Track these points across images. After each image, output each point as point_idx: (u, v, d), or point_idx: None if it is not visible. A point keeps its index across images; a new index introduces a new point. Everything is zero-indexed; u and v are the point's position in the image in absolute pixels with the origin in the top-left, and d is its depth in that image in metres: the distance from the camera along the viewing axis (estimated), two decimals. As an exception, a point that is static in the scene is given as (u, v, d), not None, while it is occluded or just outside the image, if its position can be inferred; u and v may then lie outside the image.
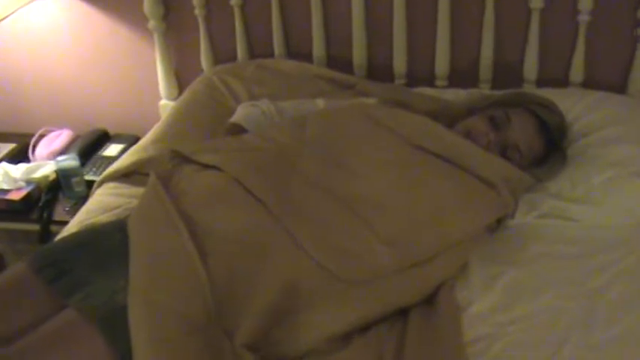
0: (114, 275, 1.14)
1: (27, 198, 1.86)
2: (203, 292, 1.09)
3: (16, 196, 1.86)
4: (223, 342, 1.08)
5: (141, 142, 1.77)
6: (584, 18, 1.74)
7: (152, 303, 1.06)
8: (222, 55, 2.06)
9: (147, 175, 1.54)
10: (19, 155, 2.09)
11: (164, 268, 1.12)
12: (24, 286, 1.16)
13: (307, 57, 1.98)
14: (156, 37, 2.04)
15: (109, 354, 1.03)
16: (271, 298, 1.11)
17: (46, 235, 1.82)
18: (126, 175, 1.64)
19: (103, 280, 1.14)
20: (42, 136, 2.14)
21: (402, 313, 1.22)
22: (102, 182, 1.65)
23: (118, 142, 2.09)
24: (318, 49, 1.97)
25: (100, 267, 1.17)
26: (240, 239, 1.17)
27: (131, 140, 2.07)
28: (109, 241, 1.23)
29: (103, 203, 1.56)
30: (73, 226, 1.48)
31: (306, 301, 1.13)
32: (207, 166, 1.34)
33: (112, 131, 2.17)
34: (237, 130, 1.59)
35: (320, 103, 1.67)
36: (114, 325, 1.05)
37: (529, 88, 1.83)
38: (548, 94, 1.65)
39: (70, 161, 1.87)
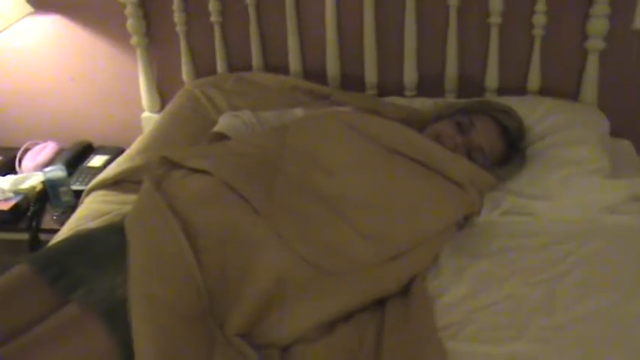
0: (112, 272, 1.20)
1: (15, 208, 1.91)
2: (197, 287, 1.17)
3: (4, 206, 1.91)
4: (215, 332, 1.16)
5: (127, 152, 1.83)
6: (538, 32, 1.85)
7: (150, 295, 1.13)
8: (202, 68, 2.14)
9: (134, 183, 1.63)
10: (5, 168, 2.14)
11: (161, 264, 1.19)
12: (27, 285, 1.21)
13: (284, 70, 2.06)
14: (138, 52, 2.12)
15: (110, 344, 1.10)
16: (260, 291, 1.20)
17: (35, 243, 1.88)
18: (114, 184, 1.69)
19: (102, 277, 1.20)
20: (27, 150, 2.19)
21: (381, 303, 1.31)
22: (91, 190, 1.70)
23: (102, 153, 2.16)
24: (294, 62, 2.05)
25: (99, 265, 1.23)
26: (230, 237, 1.25)
27: (115, 151, 2.13)
28: (105, 242, 1.29)
29: (93, 210, 1.61)
30: (65, 232, 1.52)
31: (293, 293, 1.22)
32: (195, 171, 1.41)
33: (95, 143, 2.22)
34: (220, 139, 1.66)
35: (298, 112, 1.76)
36: (115, 318, 1.11)
37: (491, 97, 1.92)
38: (508, 101, 1.75)
39: (57, 172, 1.92)
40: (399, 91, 2.02)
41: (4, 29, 2.00)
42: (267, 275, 1.21)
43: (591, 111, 1.84)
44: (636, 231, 1.45)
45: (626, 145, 1.85)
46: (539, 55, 1.89)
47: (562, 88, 1.92)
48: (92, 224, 1.53)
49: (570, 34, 1.87)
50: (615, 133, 1.85)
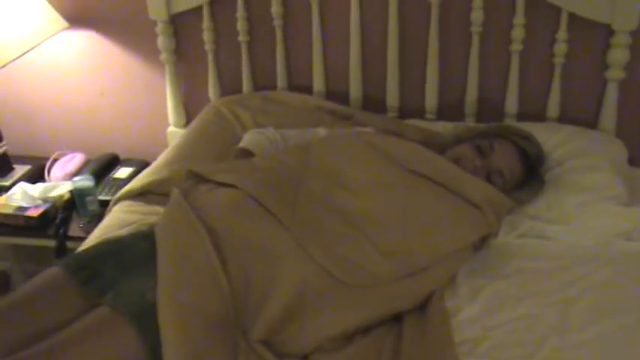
0: (142, 277, 1.24)
1: (44, 215, 1.97)
2: (223, 294, 1.21)
3: (34, 213, 1.97)
4: (239, 338, 1.20)
5: (153, 165, 1.87)
6: (559, 60, 1.88)
7: (179, 301, 1.17)
8: (228, 86, 2.19)
9: (160, 195, 1.68)
10: (35, 176, 2.20)
11: (189, 271, 1.23)
12: (59, 287, 1.26)
13: (307, 90, 2.11)
14: (167, 68, 2.18)
15: (139, 347, 1.14)
16: (284, 301, 1.23)
17: (62, 249, 1.93)
18: (140, 195, 1.74)
19: (132, 282, 1.24)
20: (56, 160, 2.25)
21: (398, 318, 1.34)
22: (118, 201, 1.75)
23: (128, 165, 2.21)
24: (317, 83, 2.10)
25: (129, 270, 1.28)
26: (256, 248, 1.29)
27: (140, 164, 2.18)
28: (135, 248, 1.34)
29: (119, 219, 1.66)
30: (93, 240, 1.57)
31: (314, 305, 1.26)
32: (222, 185, 1.46)
33: (122, 156, 2.28)
34: (245, 154, 1.71)
35: (321, 131, 1.80)
36: (144, 321, 1.15)
37: (510, 122, 1.95)
38: (528, 127, 1.78)
39: (85, 181, 1.98)
40: (420, 114, 2.06)
41: (40, 43, 2.07)
42: (290, 285, 1.25)
43: (610, 139, 1.87)
44: (649, 258, 1.47)
45: (643, 173, 1.87)
46: (559, 82, 1.92)
47: (581, 115, 1.95)
48: (119, 233, 1.57)
49: (590, 63, 1.90)
50: (633, 161, 1.87)
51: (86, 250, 1.40)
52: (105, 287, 1.24)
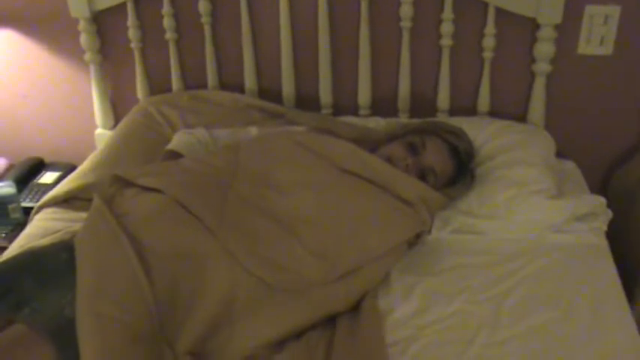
0: (62, 290, 1.19)
1: (-38, 225, 1.88)
2: (147, 304, 1.17)
3: (-49, 223, 1.87)
4: (165, 350, 1.16)
5: (79, 169, 1.81)
6: (488, 55, 1.90)
7: (99, 314, 1.13)
8: (157, 85, 2.13)
9: (86, 200, 1.62)
10: (-47, 184, 2.09)
11: (110, 282, 1.18)
12: None
13: (239, 88, 2.06)
14: (92, 68, 2.10)
15: None
16: (211, 308, 1.20)
17: (-18, 261, 1.84)
18: (65, 201, 1.68)
19: (51, 295, 1.18)
20: (-24, 166, 2.16)
21: (331, 320, 1.32)
22: (41, 208, 1.68)
23: (54, 169, 2.13)
24: (249, 80, 2.06)
25: (47, 284, 1.22)
26: (182, 255, 1.25)
27: (67, 168, 2.11)
28: (54, 260, 1.28)
29: (42, 228, 1.59)
30: (14, 250, 1.51)
31: (243, 310, 1.23)
32: (147, 190, 1.40)
33: (47, 159, 2.20)
34: (174, 156, 1.66)
35: (252, 130, 1.77)
36: (63, 337, 1.10)
37: (442, 117, 1.96)
38: (459, 122, 1.78)
39: (6, 188, 1.90)
40: (354, 111, 2.05)
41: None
42: (218, 292, 1.22)
43: (538, 132, 1.88)
44: (577, 249, 1.50)
45: (570, 165, 1.90)
46: (488, 77, 1.93)
47: (511, 109, 1.97)
48: (41, 242, 1.51)
49: (518, 57, 1.92)
50: (561, 153, 1.90)
51: (3, 262, 1.33)
52: (21, 302, 1.18)
